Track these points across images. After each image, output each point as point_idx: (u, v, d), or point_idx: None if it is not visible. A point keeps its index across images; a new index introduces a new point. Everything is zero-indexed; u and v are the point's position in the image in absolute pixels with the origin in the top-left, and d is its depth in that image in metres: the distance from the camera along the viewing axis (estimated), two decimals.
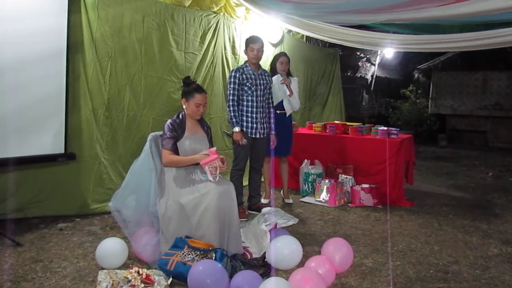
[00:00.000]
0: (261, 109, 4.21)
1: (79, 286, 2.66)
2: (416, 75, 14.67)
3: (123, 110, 4.27)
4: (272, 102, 4.45)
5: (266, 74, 4.33)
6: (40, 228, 3.63)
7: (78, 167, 3.95)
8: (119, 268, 2.86)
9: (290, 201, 4.82)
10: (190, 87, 3.20)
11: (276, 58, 4.65)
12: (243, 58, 5.53)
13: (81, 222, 3.84)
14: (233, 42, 5.51)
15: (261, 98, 4.20)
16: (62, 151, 3.61)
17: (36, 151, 3.44)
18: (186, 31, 4.81)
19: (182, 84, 3.29)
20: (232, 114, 4.07)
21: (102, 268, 2.82)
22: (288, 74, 4.64)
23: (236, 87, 4.10)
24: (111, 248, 2.93)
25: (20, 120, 3.30)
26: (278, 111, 4.54)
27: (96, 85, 4.02)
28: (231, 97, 4.10)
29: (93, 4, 3.90)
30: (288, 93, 4.52)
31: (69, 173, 3.94)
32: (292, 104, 4.62)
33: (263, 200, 4.74)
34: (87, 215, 3.99)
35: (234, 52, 5.54)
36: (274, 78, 4.50)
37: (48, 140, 3.52)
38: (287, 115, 4.64)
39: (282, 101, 4.59)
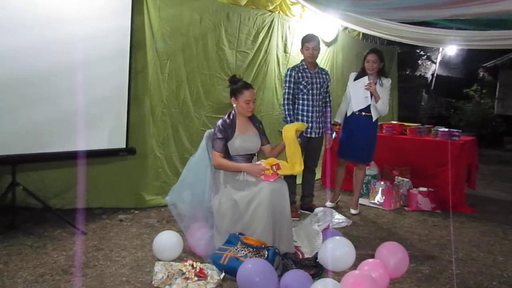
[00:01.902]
0: (317, 108, 4.16)
1: (137, 275, 2.78)
2: (481, 74, 13.92)
3: (179, 107, 4.41)
4: (328, 104, 4.33)
5: (324, 72, 4.27)
6: (102, 219, 3.83)
7: (135, 161, 4.13)
8: (174, 260, 2.96)
9: (356, 212, 4.43)
10: (238, 85, 3.22)
11: (364, 57, 4.25)
12: (293, 56, 5.54)
13: (139, 214, 4.01)
14: (285, 40, 5.51)
15: (317, 97, 4.15)
16: (123, 145, 3.77)
17: (99, 145, 3.63)
18: (240, 30, 4.87)
19: (229, 82, 3.30)
20: (286, 112, 4.06)
21: (158, 260, 2.93)
22: (381, 74, 4.25)
23: (292, 85, 4.08)
24: (167, 240, 3.03)
25: (86, 116, 3.48)
26: (363, 113, 4.24)
27: (155, 82, 4.18)
28: (286, 96, 4.08)
29: (155, 4, 4.05)
30: (369, 102, 4.16)
31: (128, 167, 4.12)
32: (377, 109, 4.21)
33: (328, 204, 4.59)
34: (145, 208, 4.15)
35: (285, 50, 5.54)
36: (360, 80, 4.20)
37: (111, 135, 3.70)
38: (373, 120, 4.26)
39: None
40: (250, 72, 5.03)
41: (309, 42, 4.08)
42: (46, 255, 3.00)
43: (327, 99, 4.31)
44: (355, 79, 4.29)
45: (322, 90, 4.19)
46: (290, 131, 3.19)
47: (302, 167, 3.19)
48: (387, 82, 4.27)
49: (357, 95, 4.23)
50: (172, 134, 4.39)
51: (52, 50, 3.22)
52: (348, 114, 4.35)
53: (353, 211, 4.45)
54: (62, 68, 3.29)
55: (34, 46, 3.12)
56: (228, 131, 3.17)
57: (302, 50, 4.17)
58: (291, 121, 4.00)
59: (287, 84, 4.09)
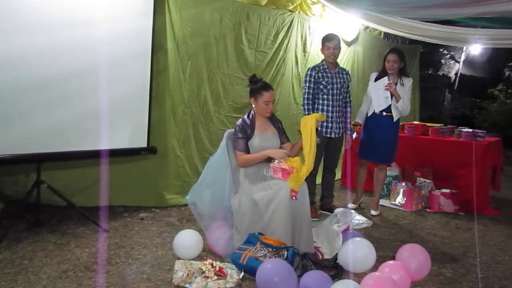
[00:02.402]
0: (337, 108, 4.13)
1: (157, 273, 2.81)
2: (506, 73, 13.59)
3: (200, 106, 4.44)
4: (348, 104, 4.30)
5: (344, 72, 4.23)
6: (124, 217, 3.89)
7: (157, 160, 4.17)
8: (194, 259, 2.99)
9: (377, 213, 4.39)
10: (257, 85, 3.22)
11: (384, 56, 4.22)
12: (313, 56, 5.52)
13: (160, 213, 4.06)
14: (305, 40, 5.49)
15: (337, 97, 4.12)
16: (145, 145, 3.82)
17: (121, 144, 3.68)
18: (260, 30, 4.87)
19: (248, 82, 3.31)
20: (306, 113, 4.03)
21: (179, 258, 2.96)
22: (401, 73, 4.20)
23: (312, 85, 4.06)
24: (187, 239, 3.06)
25: (108, 116, 3.53)
26: (384, 113, 4.20)
27: (176, 83, 4.22)
28: (306, 96, 4.06)
29: (176, 5, 4.09)
30: (390, 102, 4.12)
31: (149, 166, 4.17)
32: (399, 109, 4.16)
33: (350, 205, 4.55)
34: (165, 206, 4.20)
35: (304, 50, 5.52)
36: (381, 80, 4.17)
37: (132, 134, 3.76)
38: (394, 120, 4.21)
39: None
40: (269, 72, 5.03)
41: (330, 42, 4.05)
42: (69, 252, 3.06)
43: (348, 99, 4.27)
44: (375, 80, 4.25)
45: (342, 90, 4.16)
46: (310, 120, 3.14)
47: (311, 169, 3.13)
48: (408, 81, 4.20)
49: (377, 96, 4.19)
50: (193, 134, 4.43)
51: (76, 51, 3.28)
52: (369, 114, 4.31)
53: (373, 212, 4.40)
54: (85, 68, 3.36)
55: (58, 47, 3.19)
56: (247, 130, 3.19)
57: (322, 50, 4.14)
58: None
59: (307, 84, 4.08)
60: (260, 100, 3.18)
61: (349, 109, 4.28)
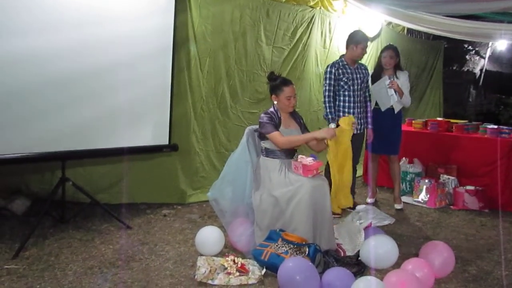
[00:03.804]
0: (358, 104, 4.14)
1: (180, 269, 2.86)
2: None
3: (218, 103, 4.49)
4: (368, 99, 4.31)
5: (363, 67, 4.24)
6: (146, 214, 3.95)
7: (178, 157, 4.22)
8: (216, 255, 3.02)
9: (400, 206, 4.44)
10: (277, 82, 3.22)
11: (380, 53, 4.41)
12: (333, 52, 5.49)
13: (182, 210, 4.11)
14: (325, 36, 5.47)
15: (358, 93, 4.12)
16: (166, 142, 3.87)
17: (143, 141, 3.73)
18: (278, 27, 4.88)
19: (267, 79, 3.31)
20: (328, 110, 4.04)
21: (201, 255, 3.00)
22: (396, 68, 4.32)
23: (332, 82, 4.06)
24: (209, 236, 3.09)
25: (131, 113, 3.60)
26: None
27: (196, 80, 4.26)
28: (327, 93, 4.06)
29: (196, 2, 4.13)
30: (396, 99, 4.22)
31: (171, 163, 4.23)
32: (402, 102, 4.31)
33: (369, 200, 4.59)
34: (187, 203, 4.25)
35: (324, 46, 5.50)
36: (380, 81, 4.25)
37: (154, 131, 3.81)
38: (395, 112, 4.34)
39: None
40: (286, 68, 5.02)
41: (361, 43, 4.07)
42: (94, 249, 3.13)
43: (367, 94, 4.29)
44: (372, 77, 4.34)
45: (362, 85, 4.17)
46: (348, 125, 3.31)
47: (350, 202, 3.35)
48: (403, 75, 4.33)
49: (381, 96, 4.29)
50: (210, 130, 4.48)
51: (99, 49, 3.33)
52: (371, 109, 4.39)
53: (397, 206, 4.44)
54: (108, 66, 3.41)
55: (81, 45, 3.23)
56: (275, 119, 3.16)
57: (351, 48, 4.10)
58: (332, 119, 3.98)
59: (327, 81, 4.07)
60: (282, 96, 3.18)
61: (369, 104, 4.31)
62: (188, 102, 4.24)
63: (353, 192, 4.39)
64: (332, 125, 3.83)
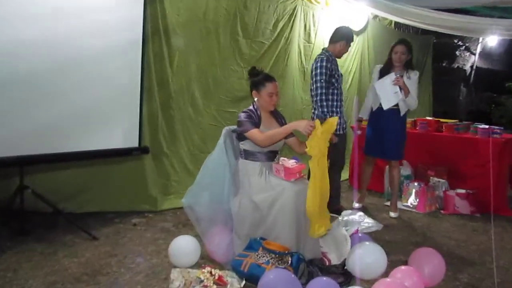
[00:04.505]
0: (342, 102, 4.19)
1: (152, 283, 2.83)
2: None
3: (189, 101, 4.49)
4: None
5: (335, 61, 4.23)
6: (115, 223, 3.91)
7: (147, 161, 4.20)
8: (192, 267, 3.00)
9: (396, 215, 4.43)
10: (259, 77, 3.21)
11: (391, 48, 4.30)
12: (318, 47, 5.55)
13: (153, 218, 4.08)
14: (309, 29, 5.51)
15: (341, 90, 4.17)
16: (136, 144, 3.84)
17: (111, 144, 3.68)
18: (258, 19, 4.92)
19: (248, 75, 3.30)
20: (325, 109, 3.98)
21: (175, 266, 2.98)
22: (408, 66, 4.27)
23: (326, 78, 3.98)
24: (184, 246, 3.08)
25: (96, 113, 3.56)
26: (391, 107, 4.27)
27: (164, 76, 4.26)
28: (321, 91, 3.96)
29: None
30: (400, 96, 4.17)
31: (141, 167, 4.20)
32: (407, 104, 4.24)
33: (355, 205, 4.62)
34: (159, 211, 4.23)
35: (309, 41, 5.54)
36: (386, 76, 4.23)
37: (123, 133, 3.77)
38: (401, 114, 4.29)
39: None
40: (267, 64, 5.03)
41: (352, 41, 4.13)
42: (57, 262, 3.08)
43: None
44: (380, 74, 4.31)
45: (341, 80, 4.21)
46: (332, 127, 3.05)
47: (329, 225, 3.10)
48: (414, 74, 4.28)
49: (386, 92, 4.24)
50: (182, 130, 4.47)
51: (62, 43, 3.28)
52: (374, 108, 4.38)
53: (392, 214, 4.45)
54: (73, 62, 3.35)
55: (43, 40, 3.17)
56: (255, 118, 3.14)
57: (340, 44, 4.11)
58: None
59: (322, 77, 3.96)
60: (264, 92, 3.17)
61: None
62: (156, 100, 4.22)
63: (338, 195, 4.43)
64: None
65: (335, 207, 4.36)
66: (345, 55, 4.47)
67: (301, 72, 5.49)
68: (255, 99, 3.24)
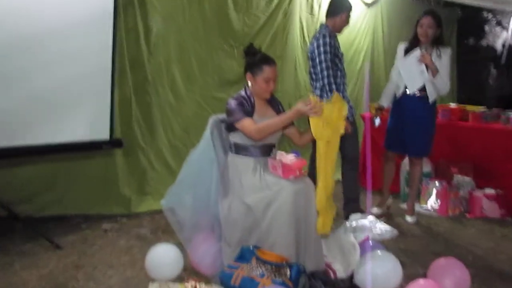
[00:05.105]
0: (347, 86, 4.19)
1: None
2: None
3: (169, 85, 4.48)
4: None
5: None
6: (82, 229, 3.92)
7: (119, 156, 4.22)
8: (173, 280, 3.01)
9: (412, 219, 4.44)
10: (256, 58, 3.16)
11: (417, 21, 4.23)
12: (323, 20, 5.51)
13: (127, 223, 4.10)
14: (312, 0, 5.50)
15: (345, 72, 4.15)
16: (107, 136, 3.84)
17: (77, 136, 3.67)
18: None
19: (244, 54, 3.27)
20: (333, 87, 3.92)
21: (153, 280, 2.98)
22: (437, 43, 4.19)
23: (332, 57, 3.94)
24: (163, 256, 3.08)
25: (61, 99, 3.55)
26: (417, 93, 4.22)
27: (139, 55, 4.25)
28: (328, 72, 3.91)
29: None
30: (427, 77, 4.11)
31: (110, 163, 4.22)
32: (436, 86, 4.17)
33: (374, 210, 4.54)
34: (134, 214, 4.24)
35: (312, 12, 5.52)
36: (410, 53, 4.21)
37: (91, 123, 3.76)
38: (430, 100, 4.23)
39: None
40: (263, 42, 4.99)
41: (350, 10, 4.09)
42: (14, 275, 3.08)
43: None
44: (405, 51, 4.28)
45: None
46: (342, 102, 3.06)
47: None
48: (446, 52, 4.21)
49: (410, 72, 4.20)
50: (160, 119, 4.46)
51: (16, 17, 3.24)
52: (398, 95, 4.35)
53: (409, 219, 4.46)
54: (28, 39, 3.32)
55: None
56: (247, 106, 3.12)
57: (340, 16, 4.07)
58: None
59: (327, 55, 3.91)
60: (260, 77, 3.12)
61: None
62: (128, 84, 4.21)
63: (356, 198, 4.31)
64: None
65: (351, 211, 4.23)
66: (354, 32, 4.46)
67: (303, 51, 5.46)
68: (249, 82, 3.21)
